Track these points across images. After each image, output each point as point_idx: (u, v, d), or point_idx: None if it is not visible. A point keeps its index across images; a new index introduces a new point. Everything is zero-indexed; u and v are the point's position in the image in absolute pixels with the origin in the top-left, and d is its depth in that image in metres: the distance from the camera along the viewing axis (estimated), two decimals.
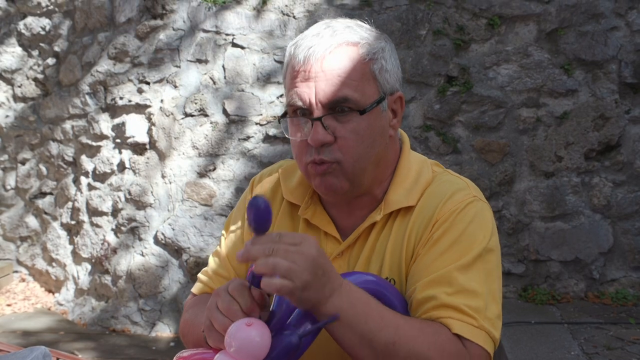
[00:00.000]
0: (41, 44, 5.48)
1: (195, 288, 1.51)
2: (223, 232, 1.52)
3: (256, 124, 4.67)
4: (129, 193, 4.84)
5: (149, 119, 4.82)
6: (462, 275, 1.22)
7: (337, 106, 1.25)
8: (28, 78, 5.56)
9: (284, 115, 1.32)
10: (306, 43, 1.26)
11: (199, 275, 1.52)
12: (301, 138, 1.27)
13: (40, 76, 5.48)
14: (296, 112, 1.28)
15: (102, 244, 4.96)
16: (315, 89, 1.24)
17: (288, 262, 1.03)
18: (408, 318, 1.20)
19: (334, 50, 1.25)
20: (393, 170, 1.38)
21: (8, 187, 5.70)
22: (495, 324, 1.23)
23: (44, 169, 5.48)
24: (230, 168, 4.67)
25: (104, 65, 4.95)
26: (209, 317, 1.13)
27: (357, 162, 1.28)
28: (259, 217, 1.08)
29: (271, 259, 1.03)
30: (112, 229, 4.94)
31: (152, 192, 4.79)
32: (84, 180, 5.11)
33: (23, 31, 5.53)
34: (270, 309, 1.18)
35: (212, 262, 1.50)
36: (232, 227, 1.49)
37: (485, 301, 1.23)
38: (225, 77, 4.71)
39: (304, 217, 1.38)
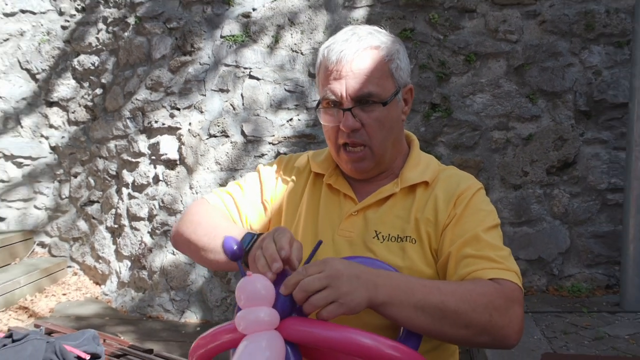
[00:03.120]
0: (91, 77, 5.50)
1: (211, 198, 1.49)
2: (247, 176, 1.53)
3: (269, 143, 4.69)
4: (162, 202, 4.86)
5: (179, 139, 4.84)
6: (486, 235, 1.26)
7: (363, 99, 1.29)
8: (80, 105, 5.57)
9: (318, 105, 1.36)
10: (337, 47, 1.29)
11: (217, 191, 1.51)
12: (334, 124, 1.32)
13: (89, 104, 5.50)
14: (329, 104, 1.32)
15: (140, 244, 4.99)
16: (345, 86, 1.28)
17: (324, 292, 1.03)
18: (445, 281, 1.22)
19: (361, 53, 1.28)
20: (406, 154, 1.43)
21: (63, 197, 5.70)
22: (518, 271, 1.23)
23: (92, 181, 5.50)
24: None
25: (142, 94, 4.98)
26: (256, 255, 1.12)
27: (381, 144, 1.32)
28: (231, 252, 1.13)
29: (312, 299, 1.02)
30: (148, 232, 4.96)
31: (181, 201, 4.80)
32: (124, 191, 5.14)
33: (76, 67, 5.55)
34: None
35: (232, 188, 1.50)
36: (254, 178, 1.51)
37: (508, 253, 1.26)
38: (243, 104, 4.73)
39: (328, 182, 1.42)
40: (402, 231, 1.31)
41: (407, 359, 1.06)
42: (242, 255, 1.13)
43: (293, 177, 1.48)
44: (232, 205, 1.47)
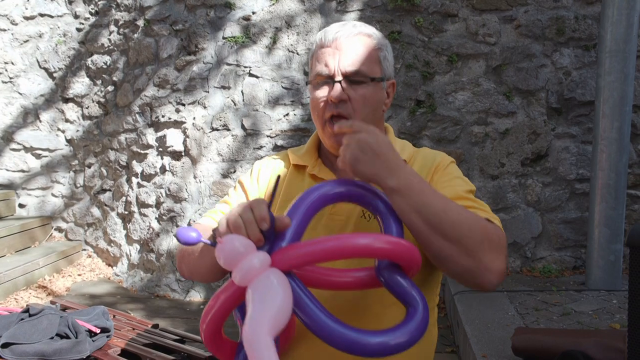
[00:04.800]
0: (103, 75, 5.50)
1: (202, 220, 1.43)
2: (231, 191, 1.49)
3: (267, 136, 4.69)
4: (169, 190, 4.86)
5: (184, 132, 4.84)
6: (467, 194, 1.26)
7: (352, 75, 1.29)
8: (93, 101, 5.57)
9: (310, 84, 1.36)
10: (334, 29, 1.32)
11: (206, 214, 1.45)
12: (323, 96, 1.31)
13: (102, 100, 5.50)
14: (321, 78, 1.32)
15: (148, 229, 4.99)
16: (339, 60, 1.29)
17: (349, 147, 1.10)
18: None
19: (355, 36, 1.31)
20: None
21: (78, 185, 5.71)
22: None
23: (104, 171, 5.50)
24: (247, 171, 4.65)
25: (150, 91, 4.97)
26: (227, 217, 1.05)
27: (364, 120, 1.28)
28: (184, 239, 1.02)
29: (341, 149, 1.12)
30: (156, 218, 4.97)
31: (186, 190, 4.81)
32: (134, 180, 5.14)
33: (90, 66, 5.55)
34: None
35: (219, 206, 1.46)
36: (238, 190, 1.48)
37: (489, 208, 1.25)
38: (243, 100, 4.72)
39: (312, 173, 1.39)
40: None
41: (398, 249, 1.03)
42: (200, 238, 1.03)
43: (271, 174, 1.46)
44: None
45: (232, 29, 4.73)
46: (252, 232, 1.01)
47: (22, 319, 2.13)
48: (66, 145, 5.74)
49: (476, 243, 1.08)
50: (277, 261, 1.00)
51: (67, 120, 5.70)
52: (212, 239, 1.07)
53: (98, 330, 2.23)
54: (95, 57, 5.51)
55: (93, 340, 2.17)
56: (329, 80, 1.30)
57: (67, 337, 2.10)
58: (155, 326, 2.56)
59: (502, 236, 1.16)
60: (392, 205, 1.10)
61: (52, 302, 2.76)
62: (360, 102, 1.30)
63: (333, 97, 1.28)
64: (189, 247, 1.28)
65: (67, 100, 5.69)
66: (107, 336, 2.26)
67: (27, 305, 2.33)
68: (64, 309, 2.61)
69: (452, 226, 1.08)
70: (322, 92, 1.32)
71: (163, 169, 4.92)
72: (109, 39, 5.40)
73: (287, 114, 4.68)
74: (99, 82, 5.54)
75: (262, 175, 1.47)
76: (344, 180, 1.17)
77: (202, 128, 4.76)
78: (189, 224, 4.76)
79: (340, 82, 1.29)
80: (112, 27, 5.38)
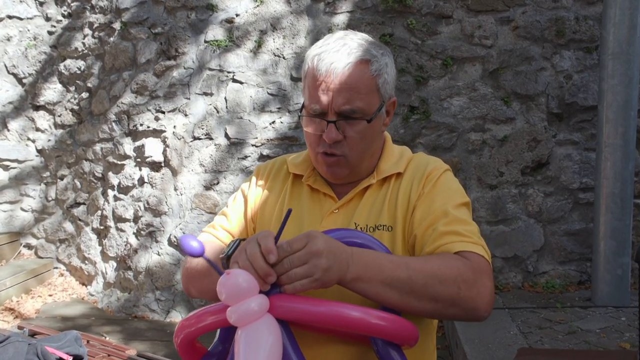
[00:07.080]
0: (77, 81, 5.46)
1: (202, 236, 1.46)
2: (230, 201, 1.50)
3: (252, 145, 4.66)
4: (148, 203, 4.81)
5: (164, 141, 4.80)
6: (455, 210, 1.24)
7: (347, 114, 1.26)
8: (66, 109, 5.53)
9: (302, 109, 1.33)
10: (328, 59, 1.25)
11: (205, 229, 1.48)
12: (316, 132, 1.29)
13: (76, 107, 5.46)
14: (314, 112, 1.29)
15: (126, 245, 4.94)
16: (332, 99, 1.25)
17: (303, 267, 1.02)
18: (413, 257, 1.21)
19: (350, 67, 1.24)
20: (381, 150, 1.40)
21: (50, 199, 5.66)
22: (485, 246, 1.22)
23: (78, 184, 5.45)
24: (231, 182, 4.66)
25: (128, 98, 4.93)
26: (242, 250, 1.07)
27: (359, 156, 1.31)
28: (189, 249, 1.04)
29: (291, 272, 1.02)
30: (134, 233, 4.91)
31: (166, 202, 4.77)
32: (110, 193, 5.09)
33: (63, 71, 5.52)
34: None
35: (218, 219, 1.48)
36: (238, 199, 1.49)
37: (476, 229, 1.24)
38: (227, 107, 4.70)
39: (307, 183, 1.39)
40: (377, 220, 1.31)
41: (393, 327, 1.07)
42: (203, 251, 1.05)
43: (271, 181, 1.47)
44: (224, 235, 1.43)
45: (214, 32, 4.71)
46: (258, 265, 1.02)
47: None
48: (37, 155, 5.68)
49: (452, 293, 1.11)
50: (274, 307, 1.03)
51: (37, 129, 5.64)
52: (224, 259, 1.11)
53: (70, 358, 2.14)
54: (68, 62, 5.47)
55: None
56: (323, 117, 1.28)
57: None
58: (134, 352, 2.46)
59: (481, 264, 1.17)
60: (357, 292, 1.10)
61: (19, 327, 2.67)
62: (356, 140, 1.29)
63: (328, 139, 1.27)
64: (196, 268, 1.33)
65: (37, 108, 5.64)
66: None
67: None
68: (33, 334, 2.52)
69: (424, 287, 1.10)
70: (315, 127, 1.30)
71: (141, 181, 4.87)
72: (83, 43, 5.36)
73: (274, 122, 4.65)
74: (72, 88, 5.50)
75: (260, 182, 1.48)
76: None
77: (182, 137, 4.72)
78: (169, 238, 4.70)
79: (335, 122, 1.26)
80: (87, 30, 5.34)
